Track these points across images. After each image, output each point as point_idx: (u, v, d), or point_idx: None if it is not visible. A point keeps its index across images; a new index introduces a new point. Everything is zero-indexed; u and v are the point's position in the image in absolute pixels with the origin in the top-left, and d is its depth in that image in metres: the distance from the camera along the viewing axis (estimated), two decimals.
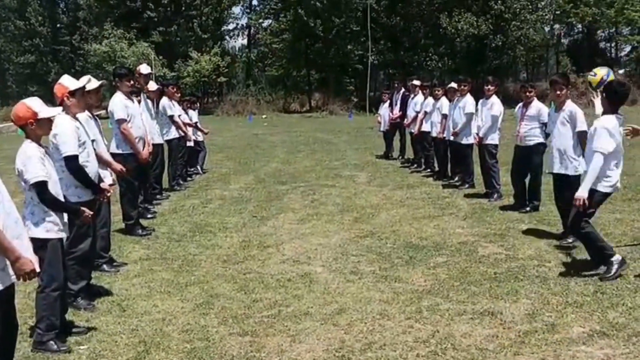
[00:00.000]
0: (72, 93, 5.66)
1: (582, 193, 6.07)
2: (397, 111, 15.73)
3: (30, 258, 3.79)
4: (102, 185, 6.00)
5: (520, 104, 9.54)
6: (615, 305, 5.43)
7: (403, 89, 15.79)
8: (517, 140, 9.36)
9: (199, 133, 14.36)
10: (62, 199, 5.03)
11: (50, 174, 4.83)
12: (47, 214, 4.80)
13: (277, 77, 50.16)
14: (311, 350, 4.80)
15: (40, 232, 4.75)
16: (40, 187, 4.72)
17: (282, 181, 13.05)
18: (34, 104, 4.76)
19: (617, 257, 6.15)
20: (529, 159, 9.02)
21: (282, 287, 6.24)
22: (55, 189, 4.88)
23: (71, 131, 5.48)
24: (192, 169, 14.22)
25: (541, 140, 9.06)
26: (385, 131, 16.76)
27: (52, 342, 4.86)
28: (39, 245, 4.64)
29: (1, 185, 3.74)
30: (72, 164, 5.53)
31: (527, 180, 9.37)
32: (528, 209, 9.15)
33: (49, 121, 4.87)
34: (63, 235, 4.98)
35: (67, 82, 5.75)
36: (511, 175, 9.61)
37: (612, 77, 7.02)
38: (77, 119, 5.76)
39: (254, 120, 36.28)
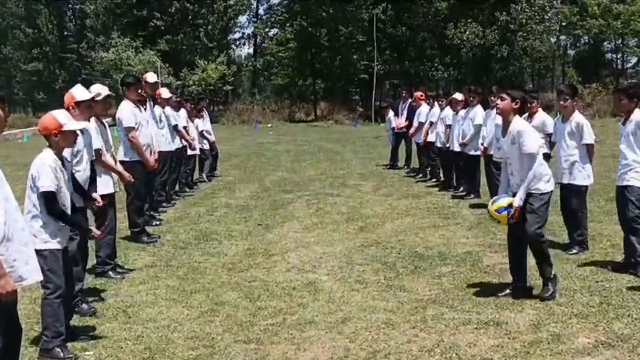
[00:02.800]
0: (78, 104, 5.75)
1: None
2: (402, 120, 15.75)
3: (10, 281, 3.66)
4: (93, 195, 6.01)
5: (525, 115, 9.52)
6: (620, 316, 5.42)
7: (410, 99, 15.80)
8: None
9: (205, 141, 14.40)
10: (70, 212, 5.06)
11: (61, 186, 4.87)
12: (45, 225, 4.80)
13: (283, 86, 50.29)
14: (316, 359, 4.81)
15: (38, 243, 4.71)
16: (48, 198, 4.76)
17: (287, 190, 13.07)
18: (60, 116, 4.93)
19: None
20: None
21: (287, 295, 6.26)
22: (64, 201, 4.92)
23: None
24: (199, 177, 14.28)
25: (545, 151, 9.04)
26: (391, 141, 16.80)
27: (58, 349, 4.86)
28: (38, 254, 4.68)
29: (10, 193, 3.76)
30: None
31: None
32: None
33: (73, 134, 5.01)
34: (60, 246, 4.93)
35: (76, 93, 5.84)
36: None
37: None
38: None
39: (260, 129, 36.35)
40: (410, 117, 15.23)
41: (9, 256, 3.68)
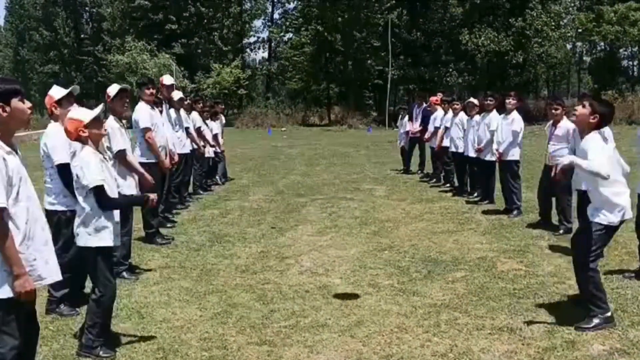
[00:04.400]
0: (59, 102, 5.75)
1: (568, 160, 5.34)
2: (417, 125, 15.72)
3: (30, 280, 3.67)
4: None
5: (550, 122, 9.18)
6: (636, 323, 5.37)
7: (425, 104, 15.77)
8: (546, 159, 9.07)
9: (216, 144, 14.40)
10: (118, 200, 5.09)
11: (107, 178, 4.85)
12: (98, 223, 4.78)
13: (297, 91, 50.43)
14: None
15: (94, 241, 4.76)
16: (100, 191, 4.74)
17: (300, 193, 13.09)
18: (76, 114, 4.88)
19: (606, 315, 5.34)
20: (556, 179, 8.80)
21: (300, 298, 6.26)
22: (113, 192, 4.92)
23: (62, 140, 5.43)
24: (212, 180, 14.32)
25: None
26: (403, 146, 16.72)
27: (99, 348, 4.85)
28: (91, 253, 4.77)
29: (32, 192, 3.79)
30: (64, 172, 5.56)
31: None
32: (561, 232, 8.74)
33: (97, 121, 4.90)
34: (114, 243, 4.92)
35: (54, 93, 5.86)
36: (538, 194, 9.47)
37: None
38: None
39: (273, 132, 36.42)
40: (424, 122, 15.20)
41: (29, 255, 3.69)
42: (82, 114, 4.89)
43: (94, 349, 4.85)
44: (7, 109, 3.67)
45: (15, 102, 3.70)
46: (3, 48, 78.99)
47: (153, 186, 7.58)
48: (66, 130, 4.88)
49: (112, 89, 7.08)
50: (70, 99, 5.91)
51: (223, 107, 18.44)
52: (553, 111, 8.94)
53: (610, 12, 44.13)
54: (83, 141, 4.84)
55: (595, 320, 5.27)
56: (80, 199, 4.82)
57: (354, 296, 6.28)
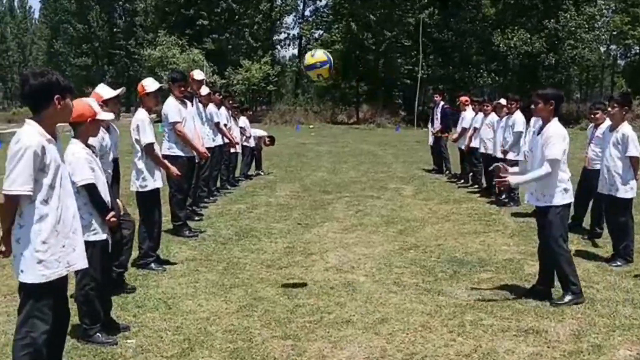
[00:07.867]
0: (106, 102, 5.98)
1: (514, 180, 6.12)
2: (437, 125, 15.66)
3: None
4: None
5: (592, 125, 9.03)
6: None
7: (443, 103, 15.70)
8: (585, 163, 8.99)
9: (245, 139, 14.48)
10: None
11: (98, 175, 4.88)
12: (91, 217, 4.82)
13: (326, 88, 50.32)
14: (352, 357, 4.82)
15: (91, 236, 4.81)
16: (91, 189, 4.78)
17: (327, 190, 13.10)
18: (95, 105, 5.05)
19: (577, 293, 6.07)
20: (592, 183, 8.66)
21: (325, 294, 6.28)
22: (104, 191, 4.94)
23: (97, 138, 5.52)
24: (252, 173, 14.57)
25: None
26: (431, 145, 16.62)
27: (98, 334, 5.00)
28: (89, 247, 4.81)
29: (67, 181, 3.91)
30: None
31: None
32: (590, 236, 8.67)
33: (100, 124, 5.13)
34: (102, 238, 4.93)
35: (102, 91, 6.13)
36: (576, 196, 9.33)
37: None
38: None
39: (302, 129, 36.47)
40: (444, 122, 15.21)
41: (59, 241, 3.81)
42: (98, 107, 5.02)
43: (91, 337, 5.00)
44: (62, 103, 3.83)
45: (68, 100, 3.88)
46: (37, 40, 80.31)
47: (180, 178, 7.70)
48: (77, 111, 4.67)
49: (151, 85, 7.17)
50: (116, 100, 6.17)
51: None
52: (592, 115, 8.81)
53: None
54: (79, 132, 4.86)
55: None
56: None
57: (379, 294, 6.30)
